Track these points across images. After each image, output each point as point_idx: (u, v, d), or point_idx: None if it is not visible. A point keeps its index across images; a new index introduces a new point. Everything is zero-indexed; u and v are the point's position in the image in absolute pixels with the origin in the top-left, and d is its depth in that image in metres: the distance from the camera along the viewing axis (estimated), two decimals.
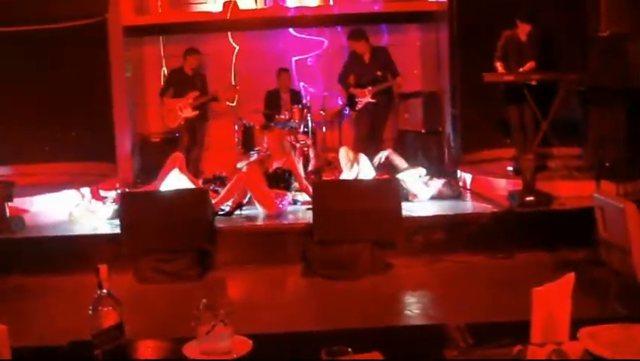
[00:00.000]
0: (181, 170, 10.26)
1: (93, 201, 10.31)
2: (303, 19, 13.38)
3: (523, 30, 10.80)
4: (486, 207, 9.83)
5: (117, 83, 12.57)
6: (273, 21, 13.41)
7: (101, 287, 2.90)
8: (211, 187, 10.79)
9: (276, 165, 10.46)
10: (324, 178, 11.19)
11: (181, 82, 12.66)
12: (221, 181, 11.21)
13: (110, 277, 2.92)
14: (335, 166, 11.33)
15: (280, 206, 9.92)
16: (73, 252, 8.93)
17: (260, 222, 9.70)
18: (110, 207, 10.00)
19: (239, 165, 11.34)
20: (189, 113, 12.54)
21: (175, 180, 10.13)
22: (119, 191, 10.39)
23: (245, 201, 10.13)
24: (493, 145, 12.16)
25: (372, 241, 8.74)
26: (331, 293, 8.06)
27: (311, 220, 9.10)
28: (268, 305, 7.65)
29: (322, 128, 12.78)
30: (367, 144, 11.83)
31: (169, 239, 8.81)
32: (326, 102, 12.80)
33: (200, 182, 11.04)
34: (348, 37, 12.25)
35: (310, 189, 9.88)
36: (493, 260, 8.82)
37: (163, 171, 10.29)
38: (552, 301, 2.84)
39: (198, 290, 8.11)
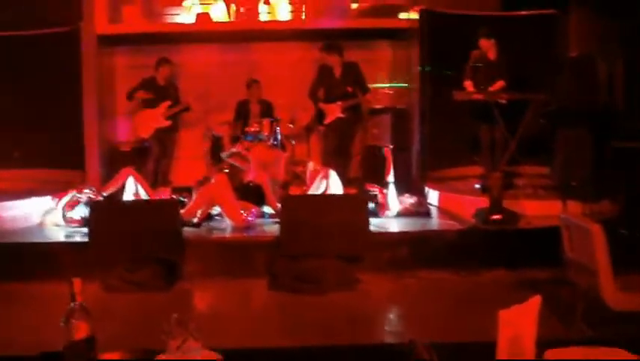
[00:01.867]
0: (136, 180, 10.26)
1: (62, 208, 10.26)
2: (275, 33, 13.41)
3: (488, 48, 10.92)
4: (452, 225, 9.89)
5: (88, 91, 12.53)
6: (245, 34, 13.42)
7: (74, 299, 2.91)
8: (180, 197, 10.78)
9: (250, 178, 10.45)
10: (292, 192, 11.18)
11: (153, 92, 12.59)
12: (190, 192, 11.18)
13: None
14: (303, 180, 11.34)
15: (248, 219, 9.92)
16: (41, 259, 8.88)
17: (227, 234, 9.71)
18: (79, 213, 9.98)
19: (223, 155, 11.39)
20: (161, 123, 12.48)
21: (132, 189, 10.14)
22: (88, 194, 10.35)
23: (213, 212, 10.15)
24: (461, 163, 12.20)
25: (339, 256, 8.75)
26: (298, 307, 8.02)
27: (278, 233, 9.13)
28: (234, 318, 7.61)
29: (291, 142, 12.75)
30: (335, 159, 11.83)
31: (137, 249, 8.79)
32: (295, 115, 12.76)
33: (167, 192, 11.04)
34: (321, 49, 12.13)
35: (278, 205, 9.90)
36: (457, 277, 8.83)
37: (113, 180, 10.35)
38: (518, 323, 2.86)
39: (165, 301, 8.08)
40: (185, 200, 10.59)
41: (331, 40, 12.30)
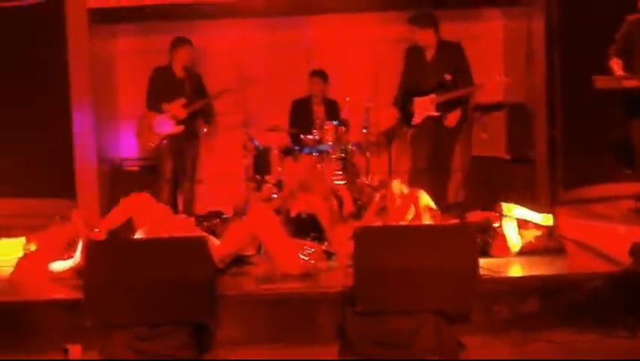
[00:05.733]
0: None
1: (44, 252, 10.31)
2: (342, 3, 13.40)
3: None
4: (598, 266, 9.78)
5: (79, 88, 12.58)
6: (299, 2, 13.47)
7: None
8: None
9: (298, 207, 10.43)
10: (369, 224, 11.15)
11: (168, 85, 12.62)
12: (221, 220, 11.18)
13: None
14: (384, 207, 11.31)
15: (306, 263, 9.88)
16: (15, 323, 8.88)
17: (278, 284, 9.68)
18: (70, 261, 10.03)
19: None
20: (172, 128, 12.51)
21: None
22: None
23: (252, 253, 10.14)
24: (609, 177, 12.02)
25: (436, 312, 8.67)
26: None
27: (351, 283, 9.09)
28: None
29: (365, 154, 12.71)
30: (429, 176, 11.78)
31: (153, 308, 8.70)
32: (371, 116, 12.68)
33: (190, 223, 11.06)
34: (409, 22, 12.10)
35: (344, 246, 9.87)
36: (609, 341, 8.71)
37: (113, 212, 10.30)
38: None
39: None
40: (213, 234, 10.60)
41: (421, 8, 12.23)
